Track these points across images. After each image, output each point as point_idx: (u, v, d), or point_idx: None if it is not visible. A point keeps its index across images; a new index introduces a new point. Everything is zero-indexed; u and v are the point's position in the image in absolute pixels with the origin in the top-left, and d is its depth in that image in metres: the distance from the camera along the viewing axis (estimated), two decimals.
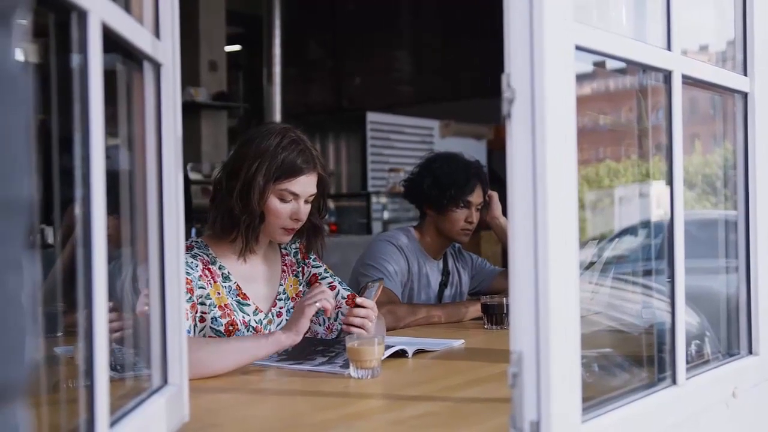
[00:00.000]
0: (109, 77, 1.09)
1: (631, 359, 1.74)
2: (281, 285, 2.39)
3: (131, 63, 1.34)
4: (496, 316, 2.71)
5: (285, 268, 2.42)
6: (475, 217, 3.09)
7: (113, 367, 1.22)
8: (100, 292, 1.03)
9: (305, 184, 2.25)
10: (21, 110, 0.56)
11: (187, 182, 4.73)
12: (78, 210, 1.02)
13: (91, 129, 1.02)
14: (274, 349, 2.03)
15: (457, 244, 3.26)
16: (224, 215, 2.24)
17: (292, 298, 2.40)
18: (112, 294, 1.09)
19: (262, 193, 2.21)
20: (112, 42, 1.13)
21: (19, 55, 0.60)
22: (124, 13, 1.18)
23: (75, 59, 1.03)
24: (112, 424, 1.10)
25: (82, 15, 1.01)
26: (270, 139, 2.22)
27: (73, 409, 1.12)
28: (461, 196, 3.06)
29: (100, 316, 1.03)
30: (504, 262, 5.43)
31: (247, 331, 2.24)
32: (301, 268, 2.45)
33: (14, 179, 0.56)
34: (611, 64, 1.61)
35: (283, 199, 2.24)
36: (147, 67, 1.36)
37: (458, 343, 2.41)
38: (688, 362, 1.60)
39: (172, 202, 1.41)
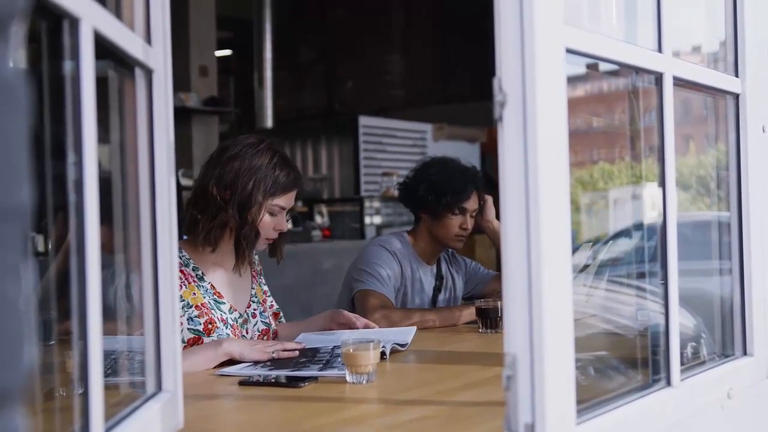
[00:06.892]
0: (100, 84, 1.09)
1: (626, 361, 1.74)
2: (252, 289, 2.51)
3: (122, 69, 1.34)
4: (491, 319, 2.71)
5: (254, 273, 2.55)
6: (470, 223, 3.08)
7: (106, 374, 1.21)
8: (93, 298, 1.03)
9: (292, 199, 2.41)
10: (19, 117, 0.57)
11: (179, 188, 4.75)
12: (71, 217, 1.02)
13: (83, 136, 1.02)
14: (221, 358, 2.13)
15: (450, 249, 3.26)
16: (218, 227, 2.32)
17: (261, 302, 2.52)
18: (106, 302, 1.09)
19: (260, 209, 2.32)
20: (103, 48, 1.13)
21: (16, 63, 0.60)
22: (116, 19, 1.18)
23: (67, 66, 1.03)
24: (107, 430, 1.09)
25: (74, 22, 1.01)
26: (261, 157, 2.33)
27: (67, 417, 1.12)
28: (457, 203, 3.04)
29: (94, 324, 1.03)
30: (498, 265, 5.41)
31: (226, 328, 2.32)
32: (261, 278, 2.59)
33: (13, 186, 0.57)
34: (604, 66, 1.61)
35: (272, 213, 2.36)
36: (138, 74, 1.36)
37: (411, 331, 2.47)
38: (683, 364, 1.60)
39: (165, 208, 1.40)
